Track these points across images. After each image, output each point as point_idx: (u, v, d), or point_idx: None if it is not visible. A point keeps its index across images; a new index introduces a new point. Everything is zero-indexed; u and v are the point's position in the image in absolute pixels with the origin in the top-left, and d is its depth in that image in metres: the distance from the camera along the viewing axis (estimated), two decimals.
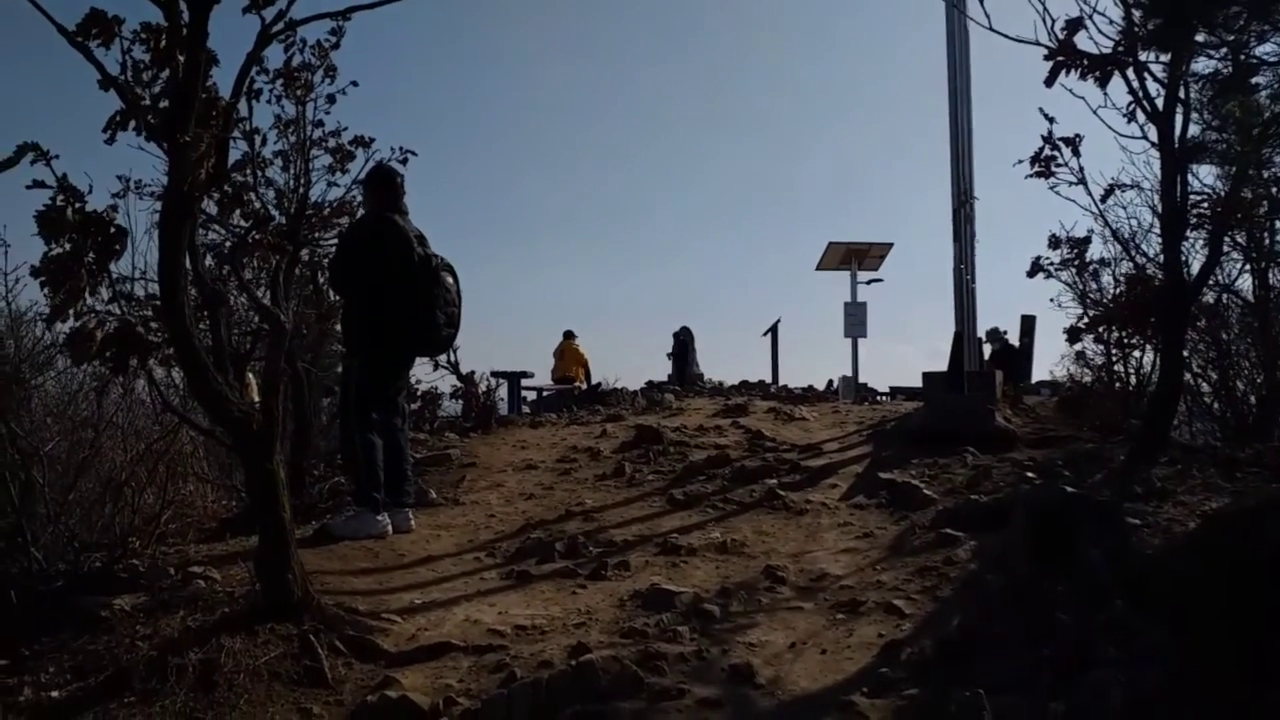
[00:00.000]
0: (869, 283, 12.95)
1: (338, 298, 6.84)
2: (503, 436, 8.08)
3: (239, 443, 3.56)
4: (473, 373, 9.39)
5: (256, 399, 4.22)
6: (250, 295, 4.94)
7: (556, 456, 7.07)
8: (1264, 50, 5.18)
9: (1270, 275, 7.46)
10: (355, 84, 6.35)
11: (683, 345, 19.07)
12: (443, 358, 8.79)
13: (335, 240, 6.76)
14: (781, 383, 14.54)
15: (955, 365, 7.35)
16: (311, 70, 6.22)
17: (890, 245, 12.98)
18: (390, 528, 4.93)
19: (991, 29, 5.11)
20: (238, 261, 4.89)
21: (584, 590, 4.15)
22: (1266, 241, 7.34)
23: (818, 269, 13.17)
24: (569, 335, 17.59)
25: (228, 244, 6.01)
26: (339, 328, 7.51)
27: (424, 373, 9.22)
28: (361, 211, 5.92)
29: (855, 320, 12.50)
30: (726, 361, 42.56)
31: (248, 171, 5.56)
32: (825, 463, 6.43)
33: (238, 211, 5.75)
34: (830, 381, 13.74)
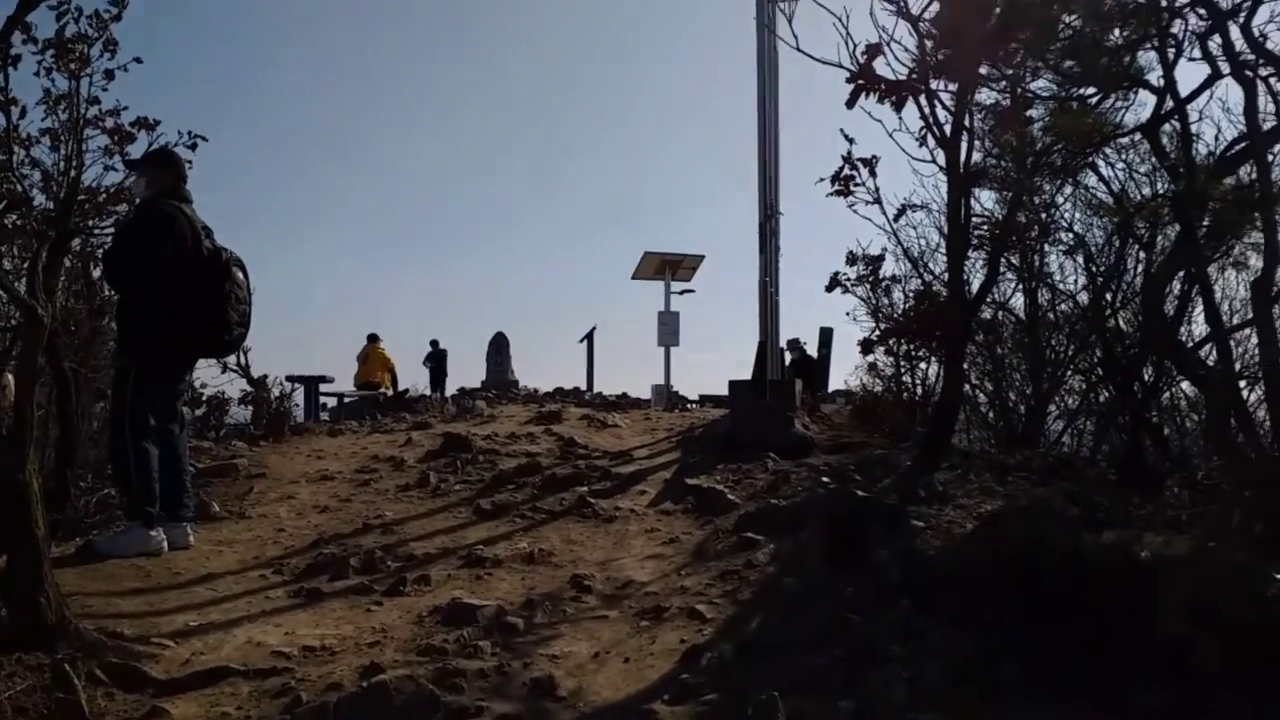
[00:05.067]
0: (681, 293, 13.22)
1: (113, 293, 6.24)
2: (297, 445, 7.64)
3: None
4: (265, 376, 8.83)
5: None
6: (4, 285, 4.42)
7: (356, 466, 6.75)
8: (1038, 85, 5.63)
9: (1039, 294, 8.13)
10: (139, 60, 5.81)
11: (440, 355, 18.80)
12: (231, 359, 8.22)
13: (112, 229, 6.18)
14: (596, 389, 14.63)
15: (759, 374, 7.59)
16: (88, 42, 5.66)
17: (702, 257, 13.29)
18: (165, 544, 4.52)
19: (799, 49, 5.29)
20: None
21: (380, 607, 3.95)
22: (1036, 263, 8.01)
23: (633, 278, 13.33)
24: (373, 339, 17.02)
25: None
26: (115, 325, 6.87)
27: (210, 375, 8.58)
28: (138, 199, 5.41)
29: (668, 329, 12.72)
30: (543, 367, 42.50)
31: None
32: (635, 469, 6.47)
33: None
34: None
